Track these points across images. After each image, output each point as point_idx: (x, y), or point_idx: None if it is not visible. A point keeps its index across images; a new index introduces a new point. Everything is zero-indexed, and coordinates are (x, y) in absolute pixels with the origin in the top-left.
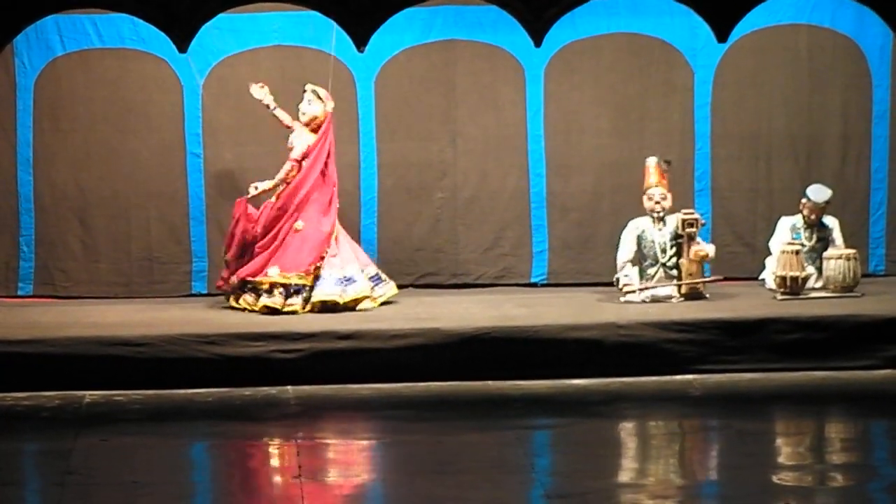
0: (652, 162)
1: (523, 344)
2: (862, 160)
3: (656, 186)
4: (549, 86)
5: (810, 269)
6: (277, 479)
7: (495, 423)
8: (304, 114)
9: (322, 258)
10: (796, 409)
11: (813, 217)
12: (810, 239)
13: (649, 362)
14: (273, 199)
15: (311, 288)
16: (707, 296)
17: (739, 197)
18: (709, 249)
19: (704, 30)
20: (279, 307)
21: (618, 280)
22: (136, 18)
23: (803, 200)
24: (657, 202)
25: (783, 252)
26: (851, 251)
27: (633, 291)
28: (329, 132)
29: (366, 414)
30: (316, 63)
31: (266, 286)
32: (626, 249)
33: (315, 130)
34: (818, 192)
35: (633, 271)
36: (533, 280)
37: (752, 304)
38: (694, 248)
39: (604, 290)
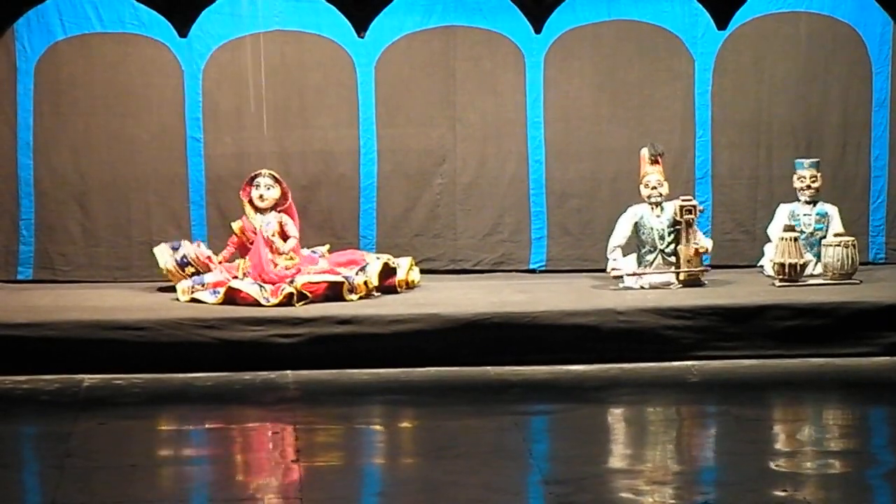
0: (645, 151)
1: (522, 330)
2: (862, 148)
3: (652, 174)
4: (549, 72)
5: (809, 256)
6: (276, 462)
7: (493, 408)
8: (265, 199)
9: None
10: (794, 395)
11: (811, 190)
12: (809, 225)
13: (648, 348)
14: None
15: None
16: (705, 282)
17: (740, 184)
18: (706, 244)
19: (704, 17)
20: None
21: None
22: (136, 3)
23: (795, 177)
24: (653, 188)
25: (781, 239)
26: (850, 238)
27: (620, 277)
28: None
29: (364, 399)
30: (316, 48)
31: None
32: (619, 235)
33: (280, 209)
34: (804, 160)
35: (625, 258)
36: (531, 266)
37: (751, 290)
38: (692, 244)
39: (602, 277)
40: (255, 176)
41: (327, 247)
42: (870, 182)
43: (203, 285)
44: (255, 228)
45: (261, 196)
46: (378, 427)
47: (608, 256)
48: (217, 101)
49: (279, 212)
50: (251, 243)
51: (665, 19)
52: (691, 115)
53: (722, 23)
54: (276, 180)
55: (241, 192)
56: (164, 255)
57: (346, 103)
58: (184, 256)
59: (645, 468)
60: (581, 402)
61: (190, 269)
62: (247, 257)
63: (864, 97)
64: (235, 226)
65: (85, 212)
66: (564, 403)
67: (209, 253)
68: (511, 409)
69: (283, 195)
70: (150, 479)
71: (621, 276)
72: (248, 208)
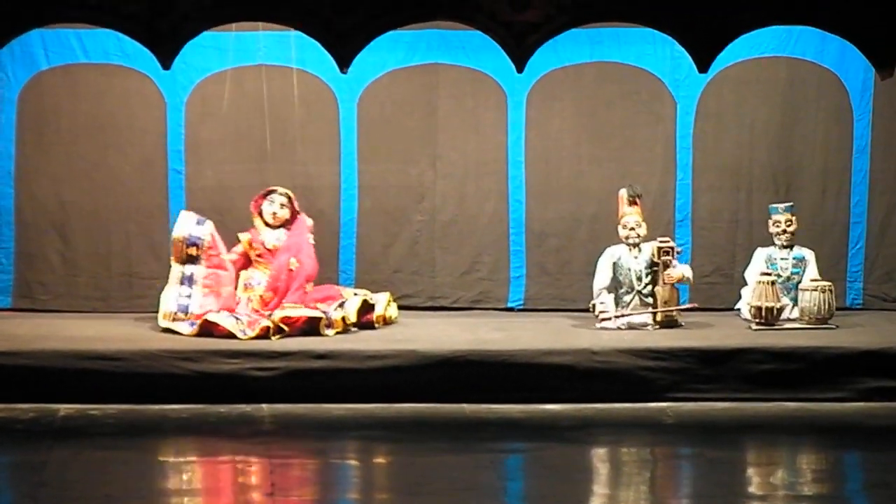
0: (623, 192)
1: (498, 368)
2: (842, 193)
3: (630, 215)
4: (531, 112)
5: (785, 300)
6: (250, 496)
7: (469, 445)
8: (277, 217)
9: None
10: (768, 439)
11: (787, 235)
12: (786, 269)
13: (623, 389)
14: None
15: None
16: (682, 324)
17: (719, 228)
18: (684, 270)
19: (687, 60)
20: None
21: (594, 307)
22: (121, 34)
23: (770, 222)
24: (632, 229)
25: (759, 282)
26: (826, 283)
27: (609, 318)
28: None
29: (340, 434)
30: (299, 83)
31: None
32: (603, 276)
33: (284, 226)
34: (778, 204)
35: (610, 298)
36: (509, 305)
37: (727, 333)
38: (668, 271)
39: (579, 316)
40: (271, 191)
41: None
42: (849, 228)
43: (186, 315)
44: (264, 242)
45: (273, 213)
46: (353, 462)
47: (595, 301)
48: (199, 133)
49: (278, 227)
50: (259, 256)
51: (648, 62)
52: (672, 158)
53: (703, 66)
54: (290, 202)
55: (251, 203)
56: (187, 224)
57: (327, 139)
58: (198, 237)
59: None
60: (556, 441)
61: (191, 251)
62: (263, 287)
63: (845, 143)
64: (243, 237)
65: (65, 241)
66: (539, 442)
67: (222, 251)
68: (486, 446)
69: (293, 216)
70: None
71: (610, 318)
72: (257, 221)
